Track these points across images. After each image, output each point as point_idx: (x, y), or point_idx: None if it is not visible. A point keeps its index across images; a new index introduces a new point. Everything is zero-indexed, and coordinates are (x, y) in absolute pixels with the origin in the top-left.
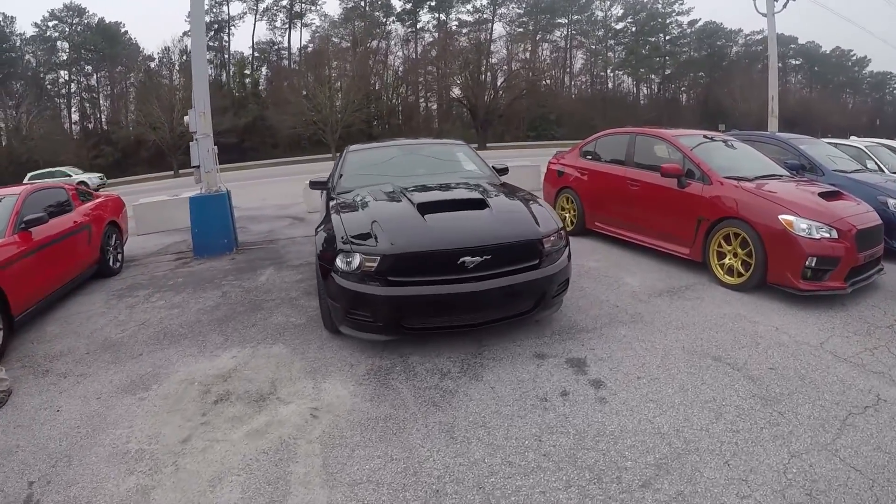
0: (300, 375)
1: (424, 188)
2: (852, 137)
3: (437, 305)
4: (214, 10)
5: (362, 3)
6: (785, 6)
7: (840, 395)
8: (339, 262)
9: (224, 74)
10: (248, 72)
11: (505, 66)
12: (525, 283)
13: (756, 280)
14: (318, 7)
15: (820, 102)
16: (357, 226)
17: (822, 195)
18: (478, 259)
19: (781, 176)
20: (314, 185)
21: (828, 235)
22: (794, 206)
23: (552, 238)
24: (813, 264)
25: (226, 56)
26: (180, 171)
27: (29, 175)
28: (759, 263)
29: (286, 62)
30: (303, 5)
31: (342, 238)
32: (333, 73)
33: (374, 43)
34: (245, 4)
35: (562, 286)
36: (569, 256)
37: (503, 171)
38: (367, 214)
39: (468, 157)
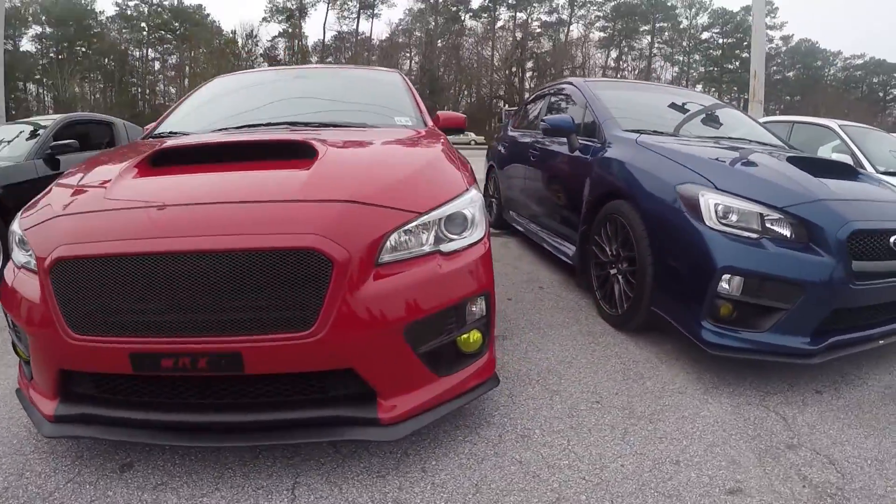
0: None
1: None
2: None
3: None
4: None
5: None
6: None
7: None
8: None
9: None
10: (314, 60)
11: (581, 70)
12: None
13: None
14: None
15: None
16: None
17: None
18: None
19: None
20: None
21: None
22: None
23: None
24: None
25: (298, 43)
26: None
27: None
28: None
29: (356, 52)
30: None
31: None
32: (413, 65)
33: (450, 39)
34: None
35: None
36: None
37: None
38: None
39: None
